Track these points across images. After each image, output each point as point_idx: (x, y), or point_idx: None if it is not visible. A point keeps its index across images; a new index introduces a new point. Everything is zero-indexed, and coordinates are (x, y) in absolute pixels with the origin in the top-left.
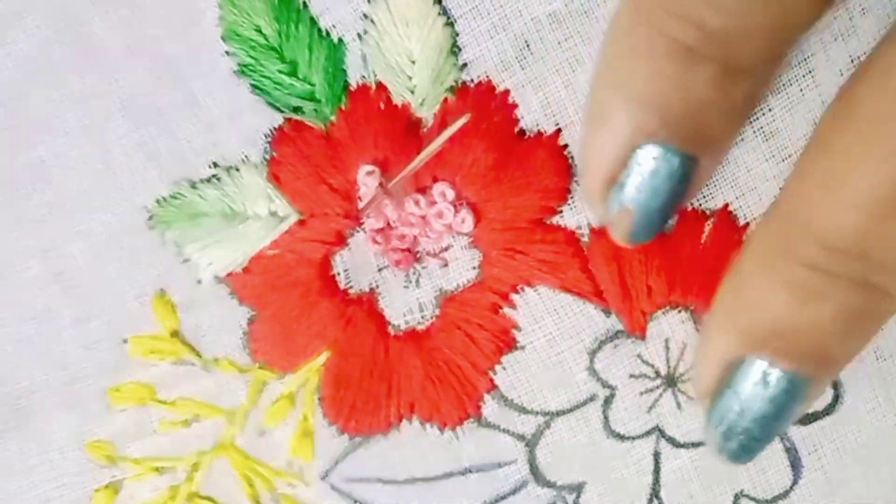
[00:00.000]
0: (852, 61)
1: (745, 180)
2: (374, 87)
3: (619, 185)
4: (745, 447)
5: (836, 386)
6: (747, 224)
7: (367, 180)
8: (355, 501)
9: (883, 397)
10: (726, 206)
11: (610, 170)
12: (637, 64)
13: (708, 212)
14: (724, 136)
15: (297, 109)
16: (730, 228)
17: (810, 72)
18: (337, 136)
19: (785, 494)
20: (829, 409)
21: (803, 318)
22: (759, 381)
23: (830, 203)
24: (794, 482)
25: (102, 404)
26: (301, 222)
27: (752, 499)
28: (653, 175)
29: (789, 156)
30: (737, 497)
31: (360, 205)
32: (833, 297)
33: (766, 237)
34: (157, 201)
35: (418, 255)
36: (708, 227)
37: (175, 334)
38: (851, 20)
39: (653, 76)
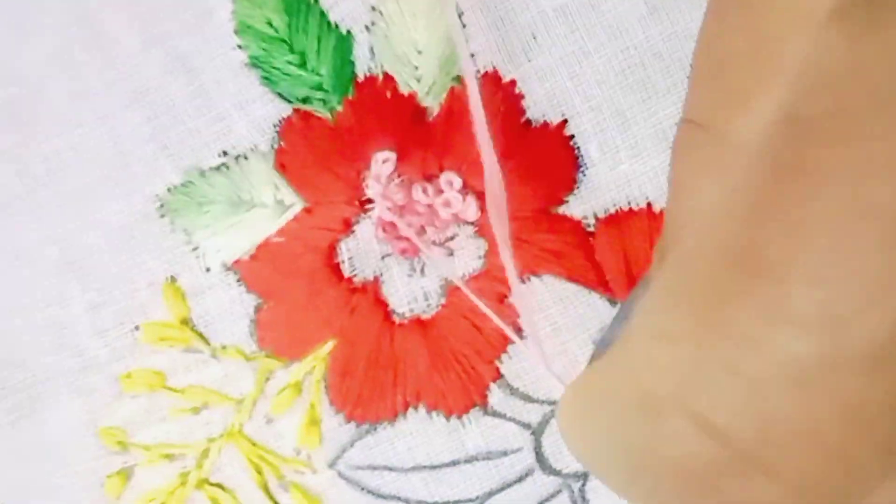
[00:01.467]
0: None
1: None
2: (381, 77)
3: None
4: None
5: None
6: None
7: (382, 168)
8: (363, 488)
9: None
10: None
11: None
12: None
13: None
14: None
15: (305, 100)
16: None
17: None
18: (343, 126)
19: None
20: None
21: None
22: None
23: None
24: None
25: (115, 390)
26: (307, 210)
27: None
28: None
29: None
30: None
31: (369, 192)
32: None
33: None
34: (168, 190)
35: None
36: None
37: (185, 322)
38: None
39: None
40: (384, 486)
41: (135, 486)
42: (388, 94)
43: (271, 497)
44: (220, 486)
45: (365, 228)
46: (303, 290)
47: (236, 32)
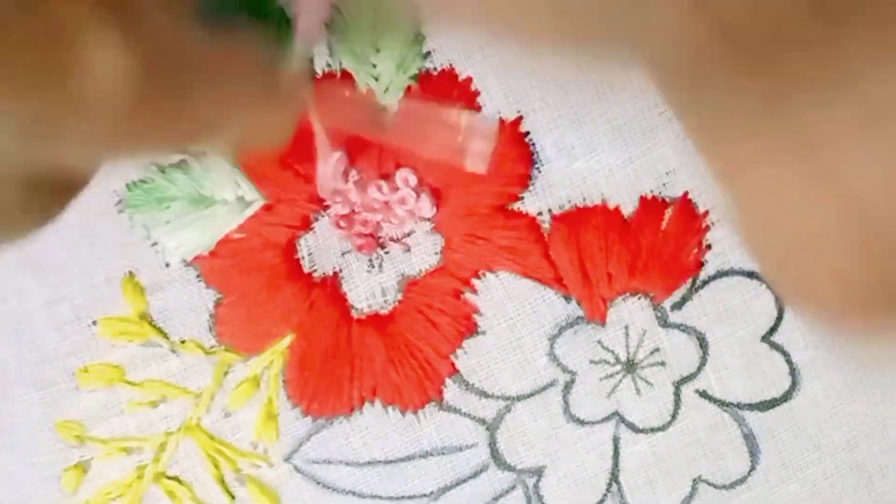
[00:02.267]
0: None
1: (706, 168)
2: (339, 74)
3: None
4: None
5: (793, 373)
6: (706, 212)
7: (336, 165)
8: (318, 483)
9: (840, 384)
10: (686, 194)
11: None
12: None
13: (668, 199)
14: None
15: None
16: (689, 216)
17: None
18: (302, 123)
19: (742, 480)
20: (786, 396)
21: None
22: None
23: None
24: (752, 468)
25: (72, 385)
26: (267, 207)
27: (711, 484)
28: None
29: None
30: (695, 482)
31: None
32: None
33: None
34: (127, 185)
35: (381, 241)
36: (668, 214)
37: (143, 316)
38: None
39: None
40: (340, 481)
41: (92, 479)
42: (346, 92)
43: (228, 490)
44: (177, 479)
45: (324, 225)
46: (262, 286)
47: None
